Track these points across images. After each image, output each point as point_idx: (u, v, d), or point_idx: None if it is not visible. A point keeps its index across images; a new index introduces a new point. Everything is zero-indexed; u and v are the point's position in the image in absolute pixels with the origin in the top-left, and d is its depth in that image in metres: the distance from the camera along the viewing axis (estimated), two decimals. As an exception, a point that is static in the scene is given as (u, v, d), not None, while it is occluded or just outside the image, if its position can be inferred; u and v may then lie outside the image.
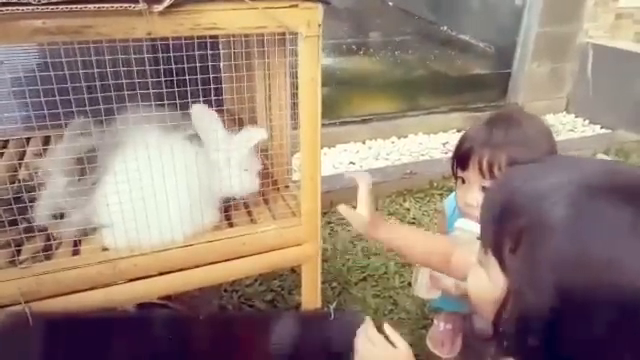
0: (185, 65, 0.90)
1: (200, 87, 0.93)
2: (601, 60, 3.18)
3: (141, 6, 0.76)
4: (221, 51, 1.05)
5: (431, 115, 3.17)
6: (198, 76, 0.91)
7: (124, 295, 0.99)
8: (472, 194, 1.26)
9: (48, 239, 1.01)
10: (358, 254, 2.14)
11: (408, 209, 2.45)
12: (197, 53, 0.91)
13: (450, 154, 1.32)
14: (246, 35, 0.97)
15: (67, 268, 0.93)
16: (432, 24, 3.25)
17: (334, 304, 1.60)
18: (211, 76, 0.92)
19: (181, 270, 1.01)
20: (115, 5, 0.75)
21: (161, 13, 0.79)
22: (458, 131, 3.18)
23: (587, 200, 0.53)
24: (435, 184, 2.53)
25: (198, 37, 0.88)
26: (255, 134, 1.05)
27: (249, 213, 1.15)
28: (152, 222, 0.96)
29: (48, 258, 0.96)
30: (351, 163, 2.74)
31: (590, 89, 3.27)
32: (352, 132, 2.95)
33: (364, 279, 1.98)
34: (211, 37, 0.95)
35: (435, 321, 1.52)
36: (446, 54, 3.27)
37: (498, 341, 0.63)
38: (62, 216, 0.99)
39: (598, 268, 0.50)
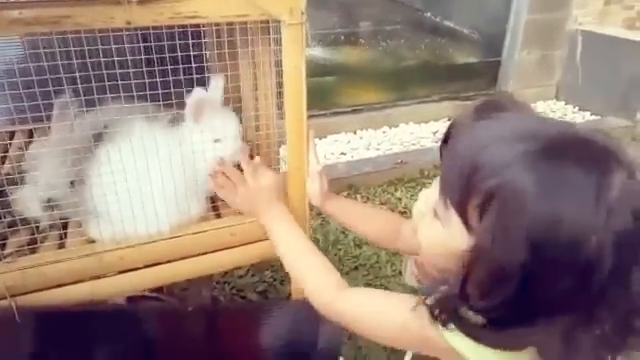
0: (166, 55, 0.88)
1: (182, 77, 0.92)
2: (590, 47, 3.19)
3: (121, -5, 0.75)
4: (205, 40, 1.04)
5: (422, 104, 3.17)
6: (180, 66, 0.90)
7: (111, 288, 0.99)
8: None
9: (33, 232, 1.00)
10: (350, 244, 2.14)
11: (400, 198, 2.45)
12: (178, 43, 0.89)
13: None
14: (229, 23, 0.96)
15: (52, 261, 0.93)
16: (421, 12, 3.23)
17: None
18: (193, 66, 0.91)
19: (168, 262, 1.01)
20: (94, -6, 0.74)
21: (140, 2, 0.78)
22: (449, 120, 3.18)
23: (554, 164, 0.56)
24: (426, 173, 2.54)
25: (181, 26, 0.87)
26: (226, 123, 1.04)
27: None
28: (137, 213, 0.95)
29: (33, 252, 0.95)
30: (342, 154, 2.73)
31: (579, 76, 3.27)
32: (343, 122, 2.94)
33: (356, 268, 1.98)
34: (195, 26, 0.94)
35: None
36: (436, 43, 3.26)
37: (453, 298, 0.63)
38: (51, 207, 0.97)
39: (568, 227, 0.54)
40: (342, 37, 3.13)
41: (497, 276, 0.57)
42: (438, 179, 0.69)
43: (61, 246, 0.99)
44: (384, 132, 2.99)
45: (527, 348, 0.63)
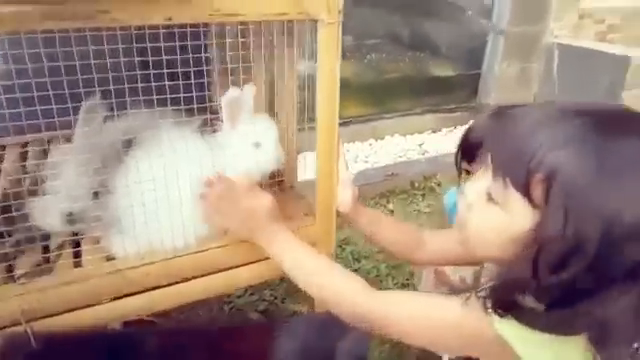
0: (160, 57, 0.81)
1: (180, 82, 0.84)
2: (566, 59, 3.29)
3: (162, -12, 0.69)
4: (213, 41, 0.99)
5: (406, 117, 3.18)
6: (178, 70, 0.82)
7: (133, 308, 0.91)
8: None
9: (46, 250, 0.92)
10: (348, 257, 2.10)
11: (392, 210, 2.44)
12: (180, 44, 0.82)
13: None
14: (243, 23, 0.91)
15: (71, 281, 0.85)
16: (403, 27, 3.26)
17: None
18: (191, 70, 0.84)
19: (195, 278, 0.94)
20: (134, -13, 0.68)
21: (179, -2, 0.73)
22: (433, 132, 3.21)
23: (612, 136, 0.59)
24: (416, 184, 2.53)
25: (191, 26, 0.80)
26: (265, 129, 0.99)
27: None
28: (165, 225, 0.89)
29: (48, 271, 0.87)
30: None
31: (556, 88, 3.36)
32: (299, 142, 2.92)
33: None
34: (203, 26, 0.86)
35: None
36: (418, 57, 3.29)
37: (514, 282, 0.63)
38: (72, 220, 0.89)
39: (636, 195, 0.56)
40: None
41: (572, 249, 0.57)
42: (481, 171, 0.72)
43: (77, 264, 0.91)
44: (370, 145, 2.98)
45: (577, 336, 0.63)
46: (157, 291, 0.91)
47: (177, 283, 0.93)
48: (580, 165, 0.58)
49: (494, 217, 0.66)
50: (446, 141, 3.08)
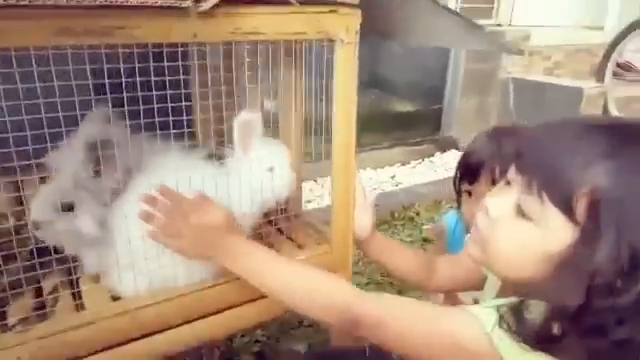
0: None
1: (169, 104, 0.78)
2: (521, 92, 3.46)
3: (188, 3, 0.66)
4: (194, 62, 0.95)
5: (375, 151, 3.22)
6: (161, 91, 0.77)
7: (144, 352, 0.82)
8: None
9: (39, 293, 0.83)
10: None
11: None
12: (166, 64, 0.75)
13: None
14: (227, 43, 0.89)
15: (76, 326, 0.76)
16: (368, 67, 3.35)
17: None
18: (167, 91, 0.77)
19: (212, 314, 0.87)
20: (159, 1, 0.65)
21: (202, 14, 0.70)
22: (402, 164, 3.26)
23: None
24: (396, 215, 2.53)
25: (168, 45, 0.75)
26: (278, 152, 0.96)
27: (269, 244, 1.04)
28: (179, 260, 0.82)
29: (45, 316, 0.78)
30: (308, 202, 2.66)
31: (513, 119, 3.52)
32: (303, 171, 2.90)
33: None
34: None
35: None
36: (383, 94, 3.38)
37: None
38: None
39: None
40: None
41: (629, 269, 0.55)
42: (502, 186, 0.71)
43: (78, 307, 0.82)
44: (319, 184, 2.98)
45: None
46: (171, 331, 0.83)
47: (192, 321, 0.85)
48: (626, 178, 0.57)
49: (526, 234, 0.63)
50: (415, 173, 3.13)
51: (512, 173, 0.69)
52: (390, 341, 0.70)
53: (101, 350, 0.78)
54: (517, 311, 0.62)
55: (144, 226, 0.79)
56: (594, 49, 4.09)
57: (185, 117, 0.80)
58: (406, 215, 2.54)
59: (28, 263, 0.78)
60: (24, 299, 0.81)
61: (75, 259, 0.84)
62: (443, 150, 3.44)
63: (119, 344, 0.79)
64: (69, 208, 0.78)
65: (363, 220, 0.98)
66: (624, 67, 3.82)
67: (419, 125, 3.49)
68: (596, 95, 3.08)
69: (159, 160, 0.85)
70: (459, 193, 1.35)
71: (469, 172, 1.27)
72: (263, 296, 0.90)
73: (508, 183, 0.70)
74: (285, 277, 0.78)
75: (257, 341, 1.70)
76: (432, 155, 3.38)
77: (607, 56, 3.60)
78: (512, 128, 1.28)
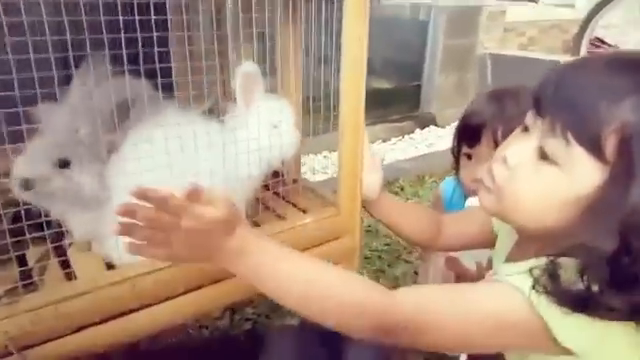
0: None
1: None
2: (498, 67, 3.46)
3: None
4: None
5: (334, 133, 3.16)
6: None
7: (144, 324, 0.75)
8: (484, 170, 1.22)
9: (23, 262, 0.74)
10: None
11: (362, 218, 2.38)
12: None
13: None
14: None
15: (70, 297, 0.68)
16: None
17: None
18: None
19: (215, 282, 0.80)
20: None
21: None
22: (383, 141, 3.22)
23: None
24: (381, 190, 2.50)
25: None
26: (280, 108, 0.89)
27: (268, 208, 0.98)
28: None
29: (31, 287, 0.70)
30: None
31: (491, 94, 3.53)
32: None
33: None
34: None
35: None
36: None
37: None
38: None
39: None
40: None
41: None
42: (515, 134, 0.68)
43: (69, 276, 0.74)
44: (325, 156, 2.92)
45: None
46: (171, 301, 0.76)
47: (194, 290, 0.78)
48: None
49: (551, 178, 0.60)
50: (397, 149, 3.10)
51: (530, 118, 0.65)
52: (432, 345, 0.63)
53: (99, 322, 0.70)
54: (551, 272, 0.57)
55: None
56: (565, 25, 4.14)
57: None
58: (391, 190, 2.50)
59: (13, 226, 0.70)
60: (6, 269, 0.73)
61: (62, 224, 0.76)
62: (423, 126, 3.42)
63: (118, 315, 0.72)
64: (65, 164, 0.70)
65: (372, 181, 0.93)
66: (595, 42, 3.87)
67: (399, 102, 3.45)
68: (573, 68, 3.11)
69: (159, 115, 0.76)
70: (457, 157, 1.32)
71: (469, 134, 1.23)
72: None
73: (525, 129, 0.66)
74: (301, 277, 0.63)
75: (247, 319, 1.64)
76: (412, 132, 3.35)
77: (581, 31, 3.63)
78: (514, 89, 1.25)
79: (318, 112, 1.01)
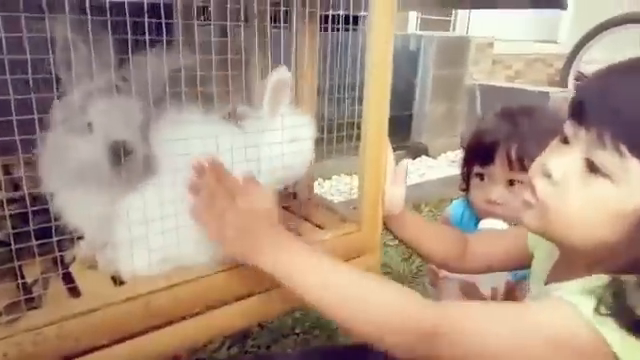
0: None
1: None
2: (487, 97, 3.51)
3: None
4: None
5: (349, 157, 3.14)
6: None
7: (157, 346, 0.67)
8: (497, 190, 1.18)
9: (22, 276, 0.67)
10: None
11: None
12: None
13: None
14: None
15: (77, 314, 0.61)
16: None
17: None
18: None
19: (234, 301, 0.73)
20: None
21: None
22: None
23: None
24: (377, 219, 2.45)
25: None
26: (302, 124, 0.84)
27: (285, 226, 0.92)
28: (194, 236, 0.68)
29: (32, 304, 0.62)
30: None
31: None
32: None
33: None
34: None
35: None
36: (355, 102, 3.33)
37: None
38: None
39: None
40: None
41: None
42: (554, 145, 0.66)
43: (73, 292, 0.67)
44: (319, 184, 2.89)
45: None
46: (188, 321, 0.69)
47: (214, 309, 0.71)
48: None
49: (602, 192, 0.57)
50: (389, 178, 3.09)
51: (570, 128, 0.62)
52: (470, 350, 0.58)
53: (107, 344, 0.63)
54: (615, 290, 0.54)
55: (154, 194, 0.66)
56: (549, 59, 4.25)
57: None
58: (388, 216, 2.46)
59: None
60: (4, 284, 0.65)
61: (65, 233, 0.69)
62: (414, 157, 3.42)
63: (128, 336, 0.64)
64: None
65: (395, 194, 0.88)
66: (578, 77, 3.98)
67: (390, 132, 3.44)
68: (561, 99, 3.17)
69: (178, 116, 0.71)
70: (467, 178, 1.29)
71: (482, 153, 1.20)
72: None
73: (565, 141, 0.63)
74: (342, 283, 0.62)
75: (247, 352, 1.54)
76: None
77: (568, 64, 3.74)
78: (526, 108, 1.24)
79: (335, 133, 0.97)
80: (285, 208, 1.00)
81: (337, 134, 0.94)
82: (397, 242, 2.24)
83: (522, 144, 1.13)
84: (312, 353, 1.14)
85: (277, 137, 0.77)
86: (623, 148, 0.54)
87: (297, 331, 1.60)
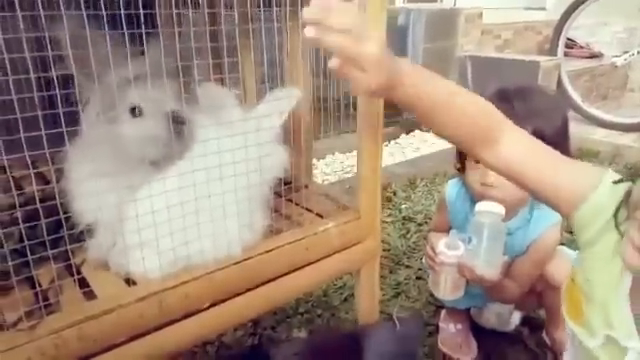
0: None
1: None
2: (478, 69, 3.50)
3: None
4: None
5: (343, 135, 3.15)
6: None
7: (172, 341, 0.71)
8: (493, 173, 1.20)
9: (39, 282, 0.69)
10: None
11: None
12: None
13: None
14: None
15: (95, 315, 0.64)
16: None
17: (396, 311, 1.41)
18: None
19: (240, 294, 0.76)
20: None
21: None
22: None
23: None
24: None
25: None
26: (288, 96, 0.86)
27: (282, 216, 0.94)
28: (206, 231, 0.71)
29: (49, 309, 0.65)
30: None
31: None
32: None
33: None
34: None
35: (441, 324, 1.41)
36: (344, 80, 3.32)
37: None
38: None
39: None
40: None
41: None
42: None
43: (88, 295, 0.70)
44: (313, 164, 2.90)
45: None
46: (199, 315, 0.72)
47: (220, 303, 0.74)
48: None
49: None
50: (384, 155, 3.10)
51: None
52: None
53: (125, 341, 0.66)
54: None
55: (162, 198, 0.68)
56: (538, 27, 4.23)
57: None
58: (384, 195, 2.49)
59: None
60: (18, 291, 0.67)
61: (79, 240, 0.71)
62: (408, 131, 3.43)
63: (145, 332, 0.67)
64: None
65: (363, 45, 0.64)
66: (568, 44, 3.96)
67: (383, 107, 3.46)
68: (552, 67, 3.17)
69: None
70: (462, 160, 1.30)
71: None
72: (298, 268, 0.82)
73: None
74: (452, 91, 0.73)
75: (252, 334, 1.58)
76: (397, 137, 3.36)
77: (558, 32, 3.71)
78: (521, 88, 1.24)
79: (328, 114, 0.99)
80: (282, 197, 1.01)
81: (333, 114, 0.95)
82: (394, 218, 2.31)
83: (519, 125, 1.13)
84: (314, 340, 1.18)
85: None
86: None
87: (301, 311, 1.64)
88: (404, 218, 2.30)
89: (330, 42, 0.61)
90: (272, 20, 0.89)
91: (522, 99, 1.17)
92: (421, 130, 3.44)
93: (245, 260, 0.76)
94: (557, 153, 0.73)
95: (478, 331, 1.39)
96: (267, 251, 0.78)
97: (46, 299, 0.67)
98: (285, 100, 0.82)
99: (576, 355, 0.70)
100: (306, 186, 1.07)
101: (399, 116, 3.53)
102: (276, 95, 0.82)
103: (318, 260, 0.85)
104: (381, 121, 0.87)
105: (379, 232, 0.93)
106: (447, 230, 1.30)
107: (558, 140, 1.11)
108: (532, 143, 0.76)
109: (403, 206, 2.42)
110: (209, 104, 0.78)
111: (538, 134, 1.11)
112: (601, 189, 0.63)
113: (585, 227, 0.65)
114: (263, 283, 0.79)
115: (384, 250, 2.02)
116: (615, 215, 0.60)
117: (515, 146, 0.75)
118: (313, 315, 1.62)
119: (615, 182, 0.62)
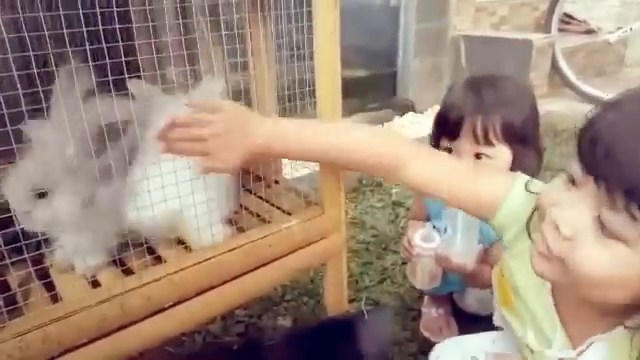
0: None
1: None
2: (471, 49, 3.48)
3: None
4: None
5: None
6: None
7: (135, 341, 0.74)
8: (465, 160, 1.21)
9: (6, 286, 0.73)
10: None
11: (346, 211, 2.37)
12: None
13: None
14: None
15: (59, 318, 0.67)
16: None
17: (363, 302, 1.44)
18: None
19: (203, 292, 0.79)
20: None
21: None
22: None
23: None
24: (364, 181, 2.50)
25: None
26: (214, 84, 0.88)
27: (251, 213, 0.97)
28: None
29: (16, 312, 0.68)
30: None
31: (466, 76, 3.54)
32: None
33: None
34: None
35: (424, 309, 1.45)
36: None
37: None
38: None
39: None
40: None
41: None
42: (566, 195, 0.56)
43: (54, 298, 0.73)
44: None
45: None
46: (159, 316, 0.76)
47: (184, 302, 0.78)
48: None
49: (619, 256, 0.50)
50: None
51: (577, 171, 0.54)
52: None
53: (87, 342, 0.69)
54: None
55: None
56: (535, 2, 4.17)
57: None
58: (374, 181, 2.51)
59: None
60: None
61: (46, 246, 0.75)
62: (402, 113, 3.43)
63: (107, 333, 0.71)
64: (42, 195, 0.69)
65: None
66: (564, 19, 3.91)
67: (375, 90, 3.45)
68: (545, 46, 3.14)
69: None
70: (436, 145, 1.31)
71: (449, 128, 1.20)
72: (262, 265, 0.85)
73: (572, 181, 0.55)
74: (335, 132, 0.80)
75: (239, 321, 1.63)
76: (391, 119, 3.36)
77: (552, 7, 3.66)
78: (491, 77, 1.23)
79: (294, 108, 1.00)
80: (252, 193, 1.04)
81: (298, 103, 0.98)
82: (384, 203, 2.33)
83: (486, 117, 1.13)
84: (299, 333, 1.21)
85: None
86: (636, 211, 0.47)
87: (287, 298, 1.68)
88: (394, 203, 2.33)
89: (183, 152, 0.74)
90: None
91: (491, 88, 1.17)
92: (415, 111, 3.44)
93: (207, 260, 0.79)
94: (470, 163, 0.81)
95: (460, 315, 1.42)
96: (230, 250, 0.81)
97: (13, 303, 0.70)
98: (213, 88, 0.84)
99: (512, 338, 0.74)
100: (276, 182, 1.09)
101: (393, 98, 3.53)
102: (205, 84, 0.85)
103: (282, 256, 0.87)
104: (339, 112, 0.88)
105: (343, 226, 0.95)
106: (426, 218, 1.33)
107: (527, 129, 1.12)
108: (443, 157, 0.84)
109: (393, 191, 2.44)
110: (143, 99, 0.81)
111: (507, 123, 1.12)
112: (513, 194, 0.68)
113: (504, 231, 0.70)
114: (226, 281, 0.82)
115: (372, 236, 2.05)
116: (528, 223, 0.64)
117: (425, 164, 0.77)
118: (299, 303, 1.66)
119: (530, 191, 0.65)
